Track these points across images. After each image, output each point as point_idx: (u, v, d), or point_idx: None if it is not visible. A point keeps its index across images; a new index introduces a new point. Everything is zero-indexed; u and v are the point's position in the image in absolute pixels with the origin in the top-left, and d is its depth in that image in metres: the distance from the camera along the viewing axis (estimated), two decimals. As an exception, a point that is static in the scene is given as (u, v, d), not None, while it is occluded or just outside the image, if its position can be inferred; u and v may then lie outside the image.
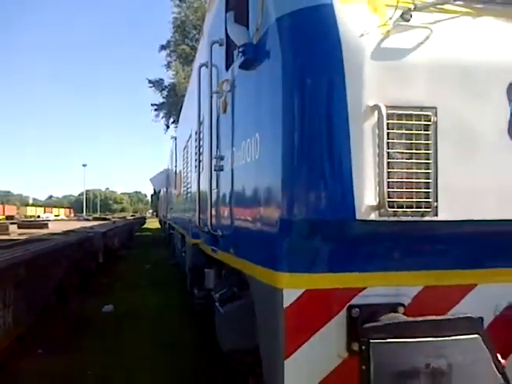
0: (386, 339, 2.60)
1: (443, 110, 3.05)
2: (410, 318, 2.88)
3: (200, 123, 6.12)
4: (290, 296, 3.06)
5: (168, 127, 42.41)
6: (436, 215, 3.01)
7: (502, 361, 2.90)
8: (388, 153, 2.95)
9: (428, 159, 3.01)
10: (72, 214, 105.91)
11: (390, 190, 2.94)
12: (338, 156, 2.95)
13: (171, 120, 41.49)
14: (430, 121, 3.02)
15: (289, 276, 3.09)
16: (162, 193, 29.60)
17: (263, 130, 3.50)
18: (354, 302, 3.12)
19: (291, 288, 3.07)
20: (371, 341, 2.58)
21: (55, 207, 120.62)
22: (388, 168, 2.94)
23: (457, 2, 3.24)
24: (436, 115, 3.03)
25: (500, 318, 3.33)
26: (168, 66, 40.68)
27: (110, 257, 14.49)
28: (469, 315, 2.81)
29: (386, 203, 2.91)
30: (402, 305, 3.17)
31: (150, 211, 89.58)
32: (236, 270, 4.29)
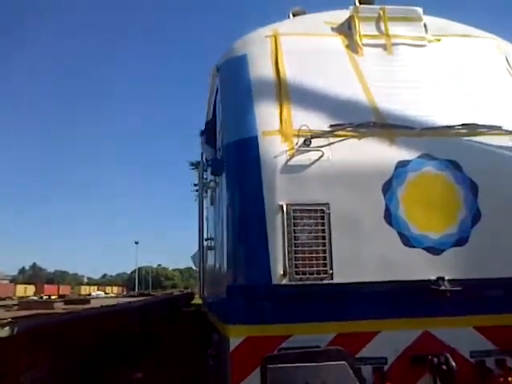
0: (278, 365, 3.80)
1: (334, 204, 4.40)
2: (297, 351, 4.03)
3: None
4: (234, 342, 4.32)
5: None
6: (332, 279, 4.29)
7: None
8: (294, 237, 4.30)
9: (324, 240, 4.33)
10: (124, 292, 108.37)
11: (296, 262, 4.27)
12: (258, 241, 4.34)
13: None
14: (324, 212, 4.37)
15: (233, 327, 4.38)
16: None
17: (222, 221, 4.94)
18: (283, 345, 4.32)
19: (235, 336, 4.34)
20: (268, 366, 3.80)
21: (109, 285, 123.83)
22: (294, 247, 4.29)
23: (346, 128, 4.68)
24: (329, 209, 4.38)
25: (401, 357, 4.44)
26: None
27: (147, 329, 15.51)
28: (338, 348, 3.98)
29: (294, 272, 4.23)
30: (317, 347, 4.34)
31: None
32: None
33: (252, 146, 4.59)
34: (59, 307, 15.84)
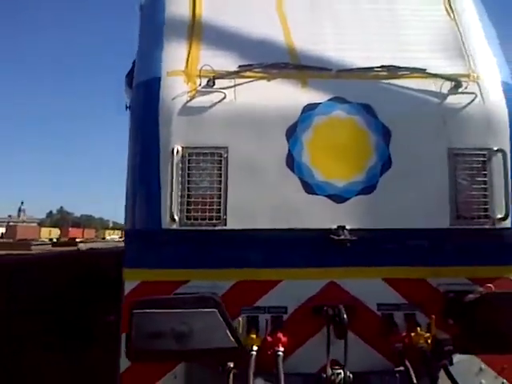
0: (144, 310, 3.74)
1: (233, 148, 4.22)
2: (165, 296, 3.96)
3: None
4: (129, 286, 4.28)
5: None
6: (225, 225, 4.16)
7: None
8: (188, 181, 4.16)
9: (220, 184, 4.18)
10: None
11: (188, 207, 4.15)
12: (151, 184, 4.22)
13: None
14: (221, 156, 4.19)
15: (128, 270, 4.33)
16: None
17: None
18: (179, 291, 4.26)
19: (130, 279, 4.29)
20: (133, 311, 3.74)
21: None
22: (188, 191, 4.16)
23: (255, 70, 4.43)
24: (227, 153, 4.20)
25: (302, 307, 4.35)
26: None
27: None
28: (210, 296, 3.90)
29: (185, 217, 4.12)
30: (215, 294, 4.20)
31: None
32: None
33: (154, 86, 4.40)
34: (41, 249, 16.09)
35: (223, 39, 4.69)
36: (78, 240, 43.39)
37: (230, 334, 3.77)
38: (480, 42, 4.95)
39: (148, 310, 3.69)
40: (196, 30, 4.71)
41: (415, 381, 3.91)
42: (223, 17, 4.83)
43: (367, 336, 4.34)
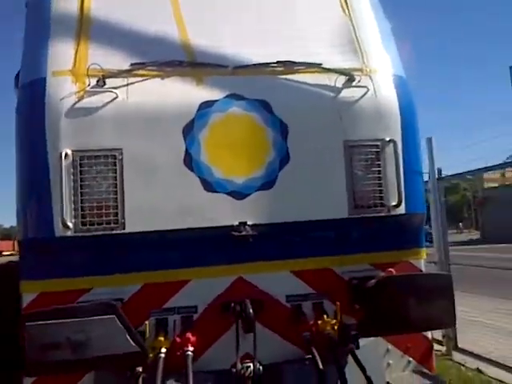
0: (37, 322, 3.59)
1: (128, 150, 4.12)
2: (58, 306, 3.78)
3: None
4: (27, 298, 4.10)
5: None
6: (124, 229, 4.07)
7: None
8: (81, 185, 4.02)
9: (115, 188, 4.08)
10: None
11: (83, 212, 4.01)
12: (41, 192, 4.06)
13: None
14: (115, 159, 4.09)
15: (25, 282, 4.14)
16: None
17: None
18: (82, 299, 4.12)
19: (27, 292, 4.11)
20: (26, 323, 3.59)
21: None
22: (81, 197, 4.02)
23: (148, 68, 4.34)
24: (121, 154, 4.10)
25: (212, 305, 4.34)
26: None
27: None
28: (107, 302, 3.82)
29: (80, 223, 3.98)
30: (120, 300, 4.16)
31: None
32: None
33: (39, 87, 4.21)
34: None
35: (114, 36, 4.55)
36: (6, 253, 41.37)
37: (130, 339, 3.69)
38: (373, 36, 5.09)
39: (41, 322, 3.54)
40: (85, 27, 4.53)
41: (321, 366, 3.99)
42: (114, 12, 4.67)
43: (278, 328, 4.39)
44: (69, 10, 4.62)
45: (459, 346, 7.79)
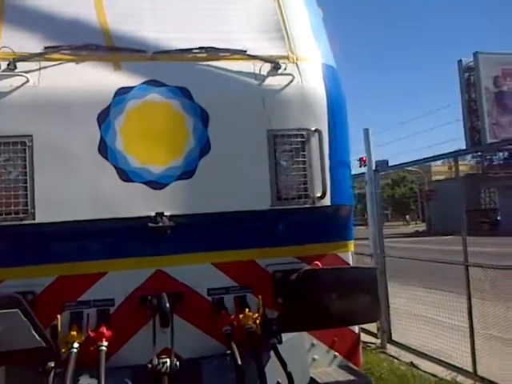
0: None
1: (39, 136, 3.91)
2: None
3: None
4: None
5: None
6: (34, 219, 3.86)
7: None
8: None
9: (25, 176, 3.86)
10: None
11: None
12: None
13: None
14: (25, 145, 3.88)
15: None
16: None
17: None
18: None
19: None
20: None
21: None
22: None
23: (62, 51, 4.14)
24: (32, 141, 3.89)
25: (129, 298, 4.19)
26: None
27: None
28: (11, 295, 3.62)
29: None
30: (32, 292, 3.98)
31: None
32: None
33: None
34: None
35: (30, 20, 4.32)
36: None
37: (35, 334, 3.50)
38: (302, 25, 5.00)
39: None
40: None
41: (239, 361, 3.89)
42: None
43: (199, 322, 4.28)
44: None
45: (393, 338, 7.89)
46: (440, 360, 6.75)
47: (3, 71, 3.97)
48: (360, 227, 14.04)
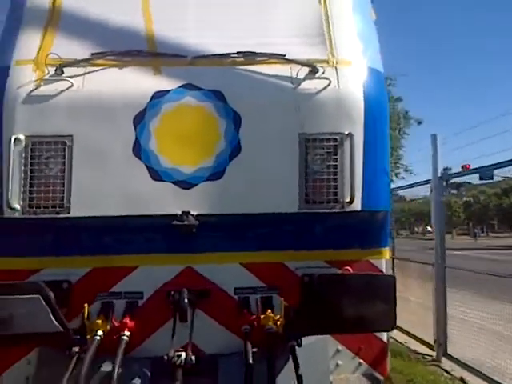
0: None
1: (79, 137, 4.23)
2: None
3: None
4: None
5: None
6: (69, 213, 4.18)
7: None
8: (31, 170, 4.17)
9: (63, 173, 4.19)
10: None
11: (31, 195, 4.15)
12: None
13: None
14: (65, 145, 4.20)
15: None
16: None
17: None
18: (31, 279, 4.27)
19: None
20: None
21: None
22: (31, 180, 4.16)
23: (107, 57, 4.43)
24: (72, 141, 4.21)
25: (158, 292, 4.41)
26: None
27: None
28: (34, 282, 3.96)
29: (27, 205, 4.12)
30: (68, 281, 4.32)
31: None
32: None
33: (2, 75, 4.37)
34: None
35: (82, 28, 4.65)
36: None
37: (53, 319, 3.80)
38: (347, 28, 4.93)
39: None
40: (54, 18, 4.66)
41: (251, 361, 3.98)
42: (85, 5, 4.77)
43: (224, 319, 4.42)
44: (42, 2, 4.76)
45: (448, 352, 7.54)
46: (490, 378, 6.35)
47: (51, 76, 4.32)
48: (463, 237, 13.26)
